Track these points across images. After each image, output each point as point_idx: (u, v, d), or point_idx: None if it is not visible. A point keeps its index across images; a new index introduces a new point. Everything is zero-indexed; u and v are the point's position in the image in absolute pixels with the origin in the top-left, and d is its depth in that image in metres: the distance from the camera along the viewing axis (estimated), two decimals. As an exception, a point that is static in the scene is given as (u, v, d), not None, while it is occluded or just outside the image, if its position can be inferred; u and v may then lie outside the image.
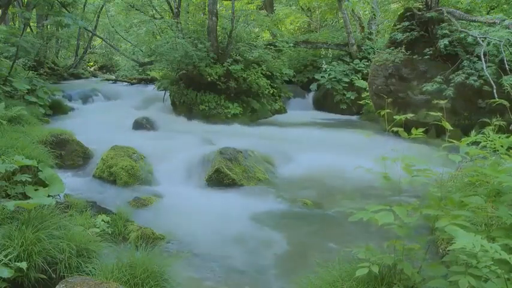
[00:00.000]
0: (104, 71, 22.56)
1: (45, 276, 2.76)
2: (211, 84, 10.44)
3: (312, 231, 4.38)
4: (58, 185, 4.33)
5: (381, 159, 2.50)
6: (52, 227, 3.02)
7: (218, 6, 11.35)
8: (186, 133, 8.45)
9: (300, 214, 4.82)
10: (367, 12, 15.55)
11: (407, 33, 8.83)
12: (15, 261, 2.63)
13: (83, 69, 19.31)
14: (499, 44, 7.06)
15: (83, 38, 20.19)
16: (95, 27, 16.93)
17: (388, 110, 2.74)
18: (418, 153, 5.23)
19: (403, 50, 8.78)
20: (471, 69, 7.79)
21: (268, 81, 11.33)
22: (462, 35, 7.91)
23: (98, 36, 18.82)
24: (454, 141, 2.50)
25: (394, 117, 2.58)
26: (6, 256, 2.62)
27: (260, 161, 6.46)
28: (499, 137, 2.65)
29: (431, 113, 2.69)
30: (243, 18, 11.76)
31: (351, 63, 12.60)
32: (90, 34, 18.00)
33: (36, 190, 4.02)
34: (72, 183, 5.36)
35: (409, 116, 2.68)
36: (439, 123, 2.58)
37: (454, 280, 1.97)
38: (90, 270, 2.78)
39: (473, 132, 2.80)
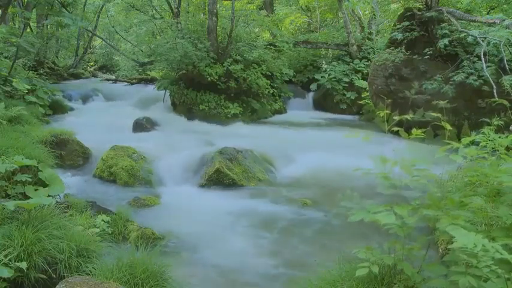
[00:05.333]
0: (104, 71, 22.51)
1: (45, 276, 2.76)
2: (211, 84, 10.43)
3: (311, 231, 4.37)
4: (58, 185, 4.34)
5: (378, 159, 2.50)
6: (52, 227, 3.01)
7: (218, 6, 11.34)
8: (186, 133, 8.45)
9: (299, 214, 4.82)
10: (367, 12, 15.55)
11: (407, 33, 8.84)
12: (15, 261, 2.62)
13: (83, 69, 19.29)
14: (499, 44, 7.07)
15: (83, 38, 20.18)
16: (95, 27, 16.94)
17: (387, 111, 2.74)
18: (418, 153, 5.22)
19: (403, 50, 8.78)
20: (471, 69, 7.80)
21: (268, 81, 11.32)
22: (462, 35, 7.92)
23: (98, 36, 18.83)
24: (452, 142, 2.50)
25: (394, 117, 2.58)
26: (6, 256, 2.61)
27: (260, 161, 6.46)
28: (499, 137, 2.65)
29: (432, 113, 2.69)
30: (243, 18, 11.75)
31: (351, 63, 12.60)
32: (90, 34, 18.01)
33: (36, 190, 4.02)
34: (72, 183, 5.36)
35: (410, 116, 2.68)
36: (439, 123, 2.58)
37: (454, 280, 1.97)
38: (90, 270, 2.78)
39: (473, 133, 2.80)
